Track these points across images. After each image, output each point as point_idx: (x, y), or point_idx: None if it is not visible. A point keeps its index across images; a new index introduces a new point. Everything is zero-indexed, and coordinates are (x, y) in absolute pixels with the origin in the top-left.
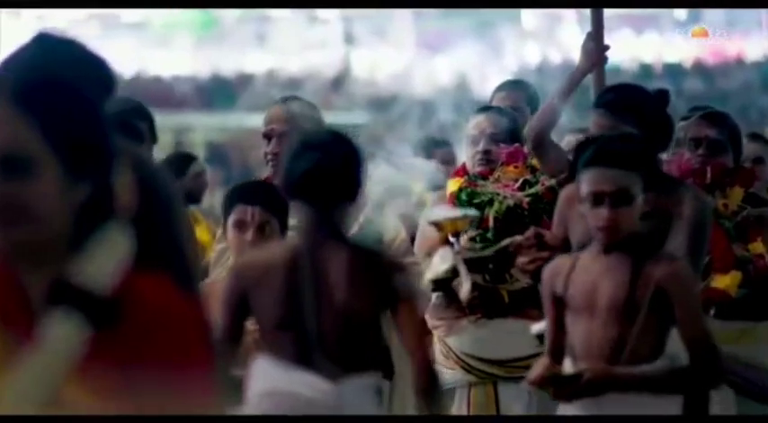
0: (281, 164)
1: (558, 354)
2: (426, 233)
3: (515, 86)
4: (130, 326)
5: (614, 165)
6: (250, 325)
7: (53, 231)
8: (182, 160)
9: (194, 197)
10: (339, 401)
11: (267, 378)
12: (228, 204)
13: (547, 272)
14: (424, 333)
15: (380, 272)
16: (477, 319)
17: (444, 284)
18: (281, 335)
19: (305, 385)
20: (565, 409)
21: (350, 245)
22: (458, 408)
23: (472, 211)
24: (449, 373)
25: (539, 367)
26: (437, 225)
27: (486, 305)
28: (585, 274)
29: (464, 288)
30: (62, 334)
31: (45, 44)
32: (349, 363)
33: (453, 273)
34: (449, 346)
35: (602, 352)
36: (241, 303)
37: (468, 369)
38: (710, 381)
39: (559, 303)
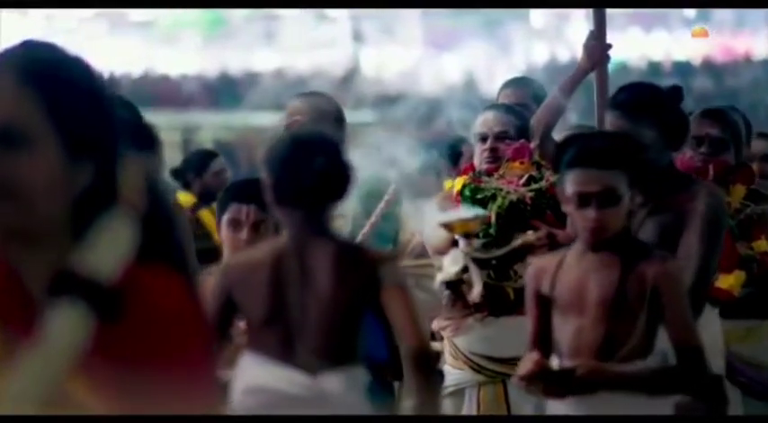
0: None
1: (540, 353)
2: (432, 233)
3: (521, 83)
4: (134, 316)
5: (599, 165)
6: (243, 325)
7: (48, 212)
8: (203, 157)
9: (215, 194)
10: (322, 395)
11: (250, 375)
12: (223, 203)
13: (531, 271)
14: (414, 317)
15: (367, 266)
16: (484, 317)
17: (455, 285)
18: (267, 331)
19: (286, 380)
20: (554, 408)
21: (336, 241)
22: (468, 408)
23: (483, 212)
24: (458, 373)
25: (528, 363)
26: (448, 226)
27: (492, 303)
28: (573, 273)
29: (475, 290)
30: (66, 325)
31: (27, 46)
32: (335, 357)
33: (464, 273)
34: (456, 346)
35: (591, 350)
36: (226, 302)
37: (476, 369)
38: (697, 382)
39: (544, 302)
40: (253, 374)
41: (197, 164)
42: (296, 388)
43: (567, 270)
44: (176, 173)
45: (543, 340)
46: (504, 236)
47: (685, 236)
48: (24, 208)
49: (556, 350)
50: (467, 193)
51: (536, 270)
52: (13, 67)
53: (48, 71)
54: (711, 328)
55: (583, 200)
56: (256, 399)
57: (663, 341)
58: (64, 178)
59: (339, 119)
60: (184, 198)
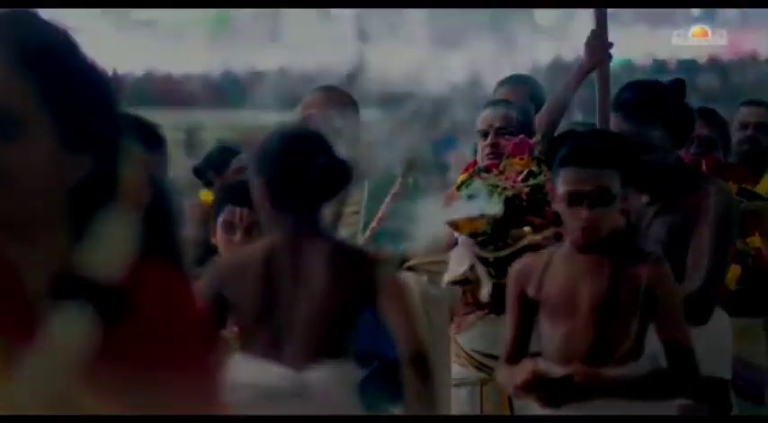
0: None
1: (518, 357)
2: (434, 231)
3: (518, 81)
4: (137, 314)
5: (592, 164)
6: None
7: (42, 204)
8: (224, 153)
9: None
10: (305, 389)
11: (237, 371)
12: (218, 205)
13: (515, 271)
14: (411, 320)
15: (363, 267)
16: (485, 315)
17: (461, 284)
18: (256, 329)
19: (270, 375)
20: (536, 409)
21: (331, 241)
22: (471, 406)
23: (490, 211)
24: (461, 370)
25: (523, 372)
26: (454, 225)
27: (494, 301)
28: (563, 274)
29: (484, 289)
30: (73, 330)
31: (21, 24)
32: (323, 356)
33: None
34: (459, 344)
35: (583, 354)
36: (218, 300)
37: (479, 367)
38: (688, 383)
39: (528, 305)
40: (239, 371)
41: (217, 162)
42: (280, 382)
43: (555, 271)
44: (198, 171)
45: (522, 345)
46: (501, 233)
47: (696, 235)
48: (17, 199)
49: (543, 355)
50: (464, 189)
51: (521, 271)
52: (5, 47)
53: (43, 54)
54: (721, 327)
55: (574, 199)
56: (242, 394)
57: (652, 343)
58: (59, 169)
59: (354, 112)
60: (207, 196)
